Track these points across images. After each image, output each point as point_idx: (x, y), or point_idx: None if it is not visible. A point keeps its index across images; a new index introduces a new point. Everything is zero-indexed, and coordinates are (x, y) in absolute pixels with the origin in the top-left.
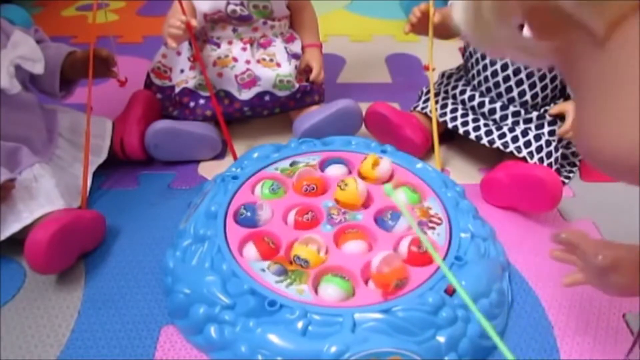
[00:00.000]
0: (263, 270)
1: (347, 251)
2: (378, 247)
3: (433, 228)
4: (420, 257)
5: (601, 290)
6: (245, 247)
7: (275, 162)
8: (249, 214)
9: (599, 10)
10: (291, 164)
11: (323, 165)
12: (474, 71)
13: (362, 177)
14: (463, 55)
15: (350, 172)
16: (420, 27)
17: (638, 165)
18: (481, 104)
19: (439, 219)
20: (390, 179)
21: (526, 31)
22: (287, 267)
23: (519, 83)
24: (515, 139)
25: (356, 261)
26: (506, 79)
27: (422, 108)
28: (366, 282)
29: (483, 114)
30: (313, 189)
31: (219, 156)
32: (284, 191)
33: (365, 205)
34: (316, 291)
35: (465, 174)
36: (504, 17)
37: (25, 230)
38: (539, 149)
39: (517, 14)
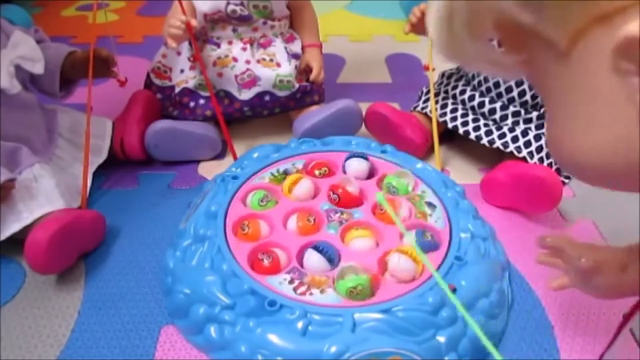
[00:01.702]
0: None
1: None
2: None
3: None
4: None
5: (586, 293)
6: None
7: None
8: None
9: (559, 24)
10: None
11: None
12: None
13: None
14: None
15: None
16: (420, 27)
17: (607, 170)
18: (481, 104)
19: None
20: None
21: (495, 45)
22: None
23: (519, 83)
24: (515, 139)
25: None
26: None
27: (422, 108)
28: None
29: (483, 114)
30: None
31: (219, 156)
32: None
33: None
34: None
35: (465, 174)
36: (474, 31)
37: (25, 230)
38: (539, 149)
39: (487, 28)
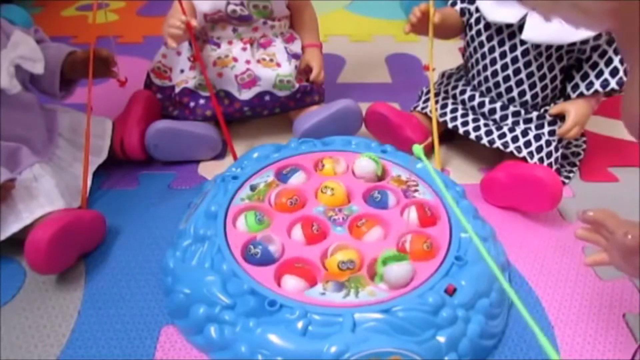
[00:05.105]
0: (323, 294)
1: (370, 240)
2: (393, 229)
3: (417, 190)
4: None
5: (625, 272)
6: (283, 280)
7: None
8: (260, 251)
9: None
10: (252, 189)
11: (281, 178)
12: (474, 71)
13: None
14: (463, 55)
15: (308, 176)
16: (420, 27)
17: None
18: (481, 104)
19: (414, 181)
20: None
21: None
22: (338, 279)
23: (519, 83)
24: (515, 139)
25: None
26: (506, 79)
27: (422, 108)
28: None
29: (483, 114)
30: (296, 201)
31: (219, 156)
32: (269, 220)
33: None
34: (383, 280)
35: (465, 174)
36: None
37: (25, 230)
38: (539, 149)
39: None
